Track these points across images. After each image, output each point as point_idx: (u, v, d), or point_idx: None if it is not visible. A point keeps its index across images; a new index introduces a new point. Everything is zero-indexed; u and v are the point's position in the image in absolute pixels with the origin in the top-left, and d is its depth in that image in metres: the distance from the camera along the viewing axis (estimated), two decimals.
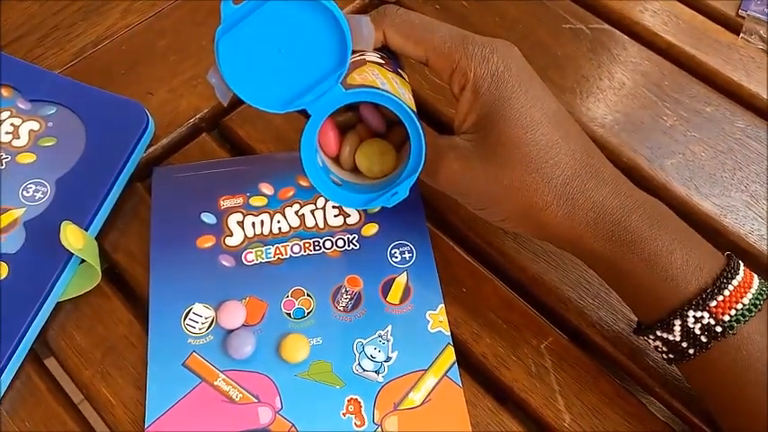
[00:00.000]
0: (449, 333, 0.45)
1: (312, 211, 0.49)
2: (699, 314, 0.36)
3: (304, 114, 0.38)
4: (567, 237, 0.39)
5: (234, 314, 0.45)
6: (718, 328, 0.36)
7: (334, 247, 0.48)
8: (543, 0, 0.61)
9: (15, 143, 0.49)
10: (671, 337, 0.38)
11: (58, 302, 0.46)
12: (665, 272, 0.37)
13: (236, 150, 0.55)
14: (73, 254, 0.45)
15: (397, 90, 0.40)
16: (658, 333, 0.39)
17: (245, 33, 0.36)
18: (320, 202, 0.50)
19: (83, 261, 0.47)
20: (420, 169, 0.40)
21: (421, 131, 0.39)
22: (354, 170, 0.44)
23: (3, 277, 0.44)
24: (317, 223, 0.49)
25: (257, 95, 0.38)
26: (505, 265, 0.49)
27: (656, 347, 0.40)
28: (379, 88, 0.38)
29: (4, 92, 0.51)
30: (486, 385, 0.44)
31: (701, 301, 0.36)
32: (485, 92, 0.39)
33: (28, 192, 0.48)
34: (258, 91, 0.38)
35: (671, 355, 0.39)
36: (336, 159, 0.44)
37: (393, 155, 0.43)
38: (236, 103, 0.56)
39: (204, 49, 0.58)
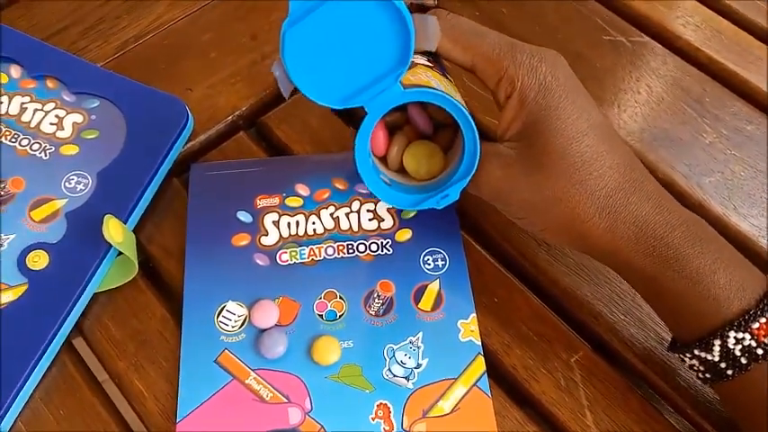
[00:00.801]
0: (479, 343, 0.45)
1: (347, 214, 0.49)
2: (740, 335, 0.36)
3: (360, 110, 0.39)
4: (608, 250, 0.39)
5: (267, 313, 0.45)
6: (760, 351, 0.36)
7: (368, 251, 0.48)
8: (583, 11, 0.61)
9: (59, 134, 0.50)
10: (709, 357, 0.38)
11: (94, 293, 0.47)
12: (707, 290, 0.37)
13: (273, 149, 0.55)
14: (111, 246, 0.46)
15: (450, 91, 0.40)
16: (696, 352, 0.38)
17: (311, 27, 0.36)
18: (355, 205, 0.50)
19: (120, 254, 0.47)
20: (473, 172, 0.40)
21: (476, 134, 0.39)
22: (400, 171, 0.44)
23: (44, 266, 0.45)
24: (351, 226, 0.49)
25: (318, 90, 0.38)
26: (538, 277, 0.49)
27: (692, 366, 0.40)
28: (434, 89, 0.38)
29: (50, 83, 0.52)
30: (515, 397, 0.44)
31: (743, 322, 0.36)
32: (531, 101, 0.39)
33: (70, 183, 0.48)
34: (319, 85, 0.38)
35: (707, 375, 0.39)
36: (383, 159, 0.44)
37: (441, 157, 0.43)
38: (274, 102, 0.57)
39: (244, 46, 0.59)
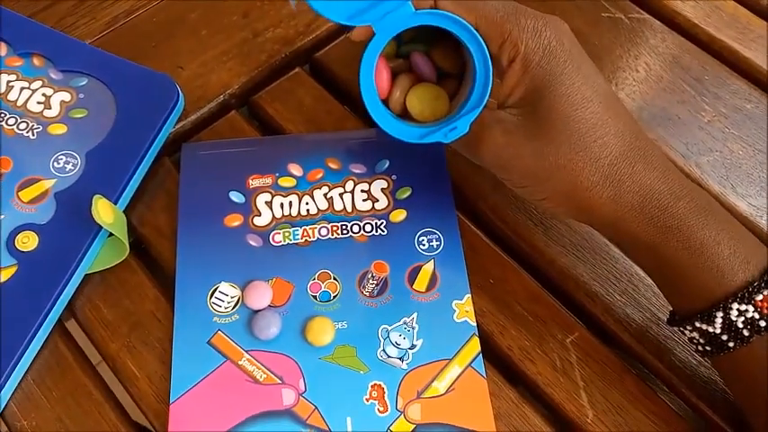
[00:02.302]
0: (474, 323, 0.45)
1: (341, 195, 0.49)
2: (743, 307, 0.36)
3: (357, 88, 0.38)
4: (610, 219, 0.39)
5: (261, 294, 0.45)
6: (762, 323, 0.35)
7: (362, 231, 0.48)
8: None
9: (47, 113, 0.49)
10: (710, 329, 0.37)
11: (85, 274, 0.46)
12: (711, 262, 0.36)
13: (265, 128, 0.55)
14: (100, 229, 0.45)
15: None
16: (697, 324, 0.38)
17: None
18: (349, 185, 0.49)
19: (111, 234, 0.47)
20: (485, 102, 0.39)
21: (489, 61, 0.38)
22: (403, 114, 0.43)
23: (33, 248, 0.44)
24: (345, 207, 0.48)
25: (325, 3, 0.37)
26: (534, 257, 0.48)
27: (692, 339, 0.39)
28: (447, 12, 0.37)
29: (36, 61, 0.51)
30: (511, 377, 0.44)
31: (746, 294, 0.35)
32: (535, 66, 0.38)
33: (59, 163, 0.47)
34: None
35: (707, 348, 0.39)
36: (385, 102, 0.43)
37: (446, 100, 0.42)
38: (267, 80, 0.56)
39: (236, 23, 0.58)
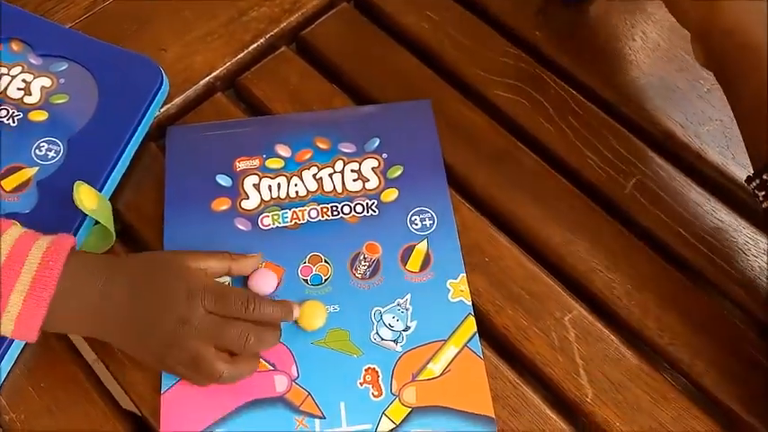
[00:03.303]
0: (470, 303, 0.43)
1: (330, 175, 0.48)
2: None
3: None
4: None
5: (265, 281, 0.43)
6: None
7: (353, 212, 0.46)
8: None
9: (27, 100, 0.48)
10: None
11: None
12: None
13: (252, 110, 0.53)
14: (85, 217, 0.44)
15: None
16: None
17: None
18: (339, 165, 0.48)
19: (97, 222, 0.46)
20: None
21: None
22: None
23: None
24: (335, 188, 0.47)
25: None
26: (529, 235, 0.47)
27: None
28: None
29: (15, 46, 0.50)
30: (508, 357, 0.43)
31: None
32: None
33: (41, 150, 0.46)
34: None
35: None
36: None
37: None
38: (252, 60, 0.54)
39: (219, 3, 0.56)
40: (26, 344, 0.43)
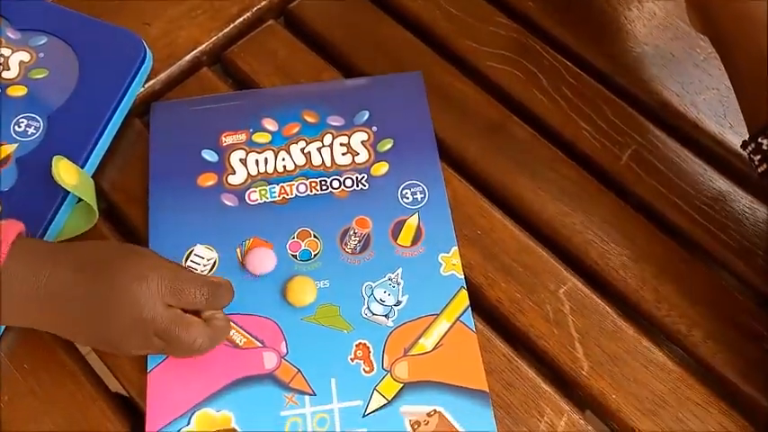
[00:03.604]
0: (462, 276, 0.43)
1: (319, 149, 0.46)
2: None
3: None
4: None
5: (264, 259, 0.42)
6: None
7: (342, 186, 0.45)
8: None
9: (5, 75, 0.47)
10: None
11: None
12: None
13: (239, 85, 0.52)
14: (67, 194, 0.43)
15: None
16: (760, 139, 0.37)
17: None
18: (327, 139, 0.47)
19: (80, 200, 0.44)
20: None
21: None
22: None
23: None
24: (323, 162, 0.46)
25: None
26: (523, 207, 0.46)
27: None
28: None
29: None
30: (501, 331, 0.42)
31: None
32: None
33: (20, 127, 0.45)
34: None
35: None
36: None
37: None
38: (239, 34, 0.53)
39: None
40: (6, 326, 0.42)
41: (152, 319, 0.36)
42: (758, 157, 0.39)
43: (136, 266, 0.37)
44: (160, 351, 0.39)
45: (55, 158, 0.41)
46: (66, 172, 0.41)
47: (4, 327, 0.42)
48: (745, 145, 0.40)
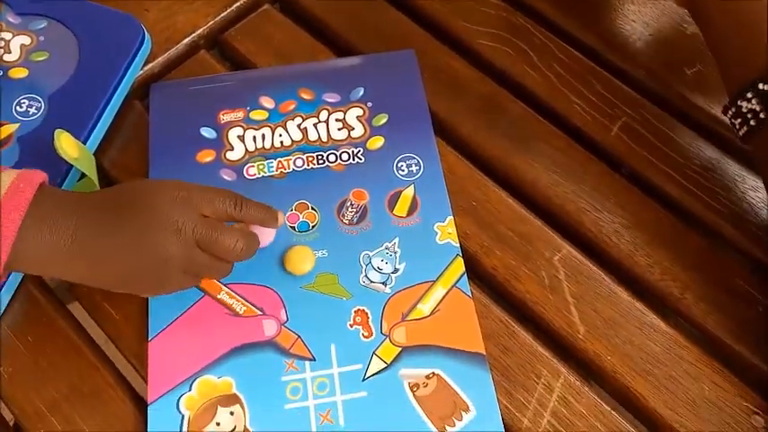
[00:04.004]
0: (458, 245, 0.43)
1: (315, 125, 0.47)
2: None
3: None
4: None
5: (263, 233, 0.42)
6: None
7: (339, 160, 0.46)
8: None
9: (7, 58, 0.48)
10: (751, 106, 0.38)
11: None
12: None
13: (236, 67, 0.53)
14: (69, 171, 0.44)
15: None
16: (740, 102, 0.38)
17: None
18: (323, 115, 0.48)
19: (80, 179, 0.45)
20: None
21: None
22: None
23: None
24: (320, 137, 0.47)
25: None
26: (517, 178, 0.47)
27: (744, 117, 0.39)
28: None
29: None
30: (498, 298, 0.43)
31: None
32: None
33: (21, 107, 0.46)
34: None
35: (752, 123, 0.39)
36: None
37: None
38: (236, 18, 0.54)
39: None
40: (13, 298, 0.43)
41: (192, 230, 0.36)
42: (738, 120, 0.40)
43: (164, 191, 0.37)
44: (203, 268, 0.38)
45: (57, 131, 0.42)
46: (67, 144, 0.42)
47: (7, 302, 0.42)
48: (725, 110, 0.41)
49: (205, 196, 0.38)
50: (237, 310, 0.41)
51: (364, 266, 0.42)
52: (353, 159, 0.46)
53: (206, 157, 0.46)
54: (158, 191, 0.37)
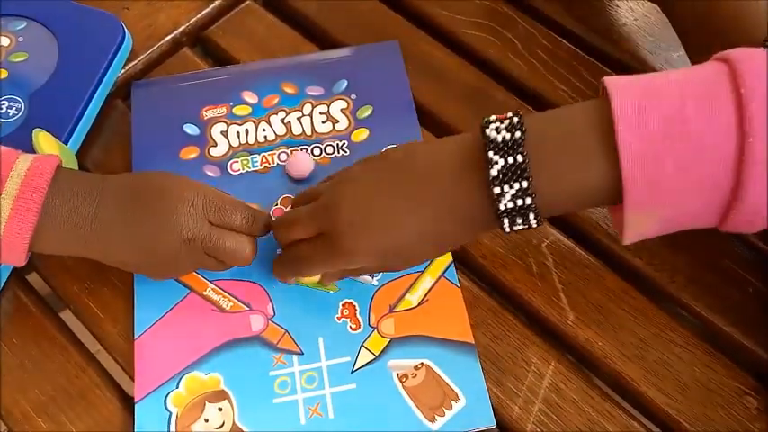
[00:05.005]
0: None
1: (299, 119, 0.47)
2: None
3: None
4: None
5: (304, 161, 0.44)
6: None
7: (324, 153, 0.46)
8: None
9: None
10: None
11: None
12: None
13: (219, 64, 0.52)
14: None
15: None
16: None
17: None
18: (307, 108, 0.47)
19: None
20: None
21: None
22: None
23: None
24: (304, 130, 0.47)
25: None
26: None
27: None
28: None
29: None
30: (487, 287, 0.43)
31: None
32: None
33: (1, 108, 0.45)
34: None
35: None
36: None
37: None
38: (218, 14, 0.54)
39: None
40: None
41: (201, 237, 0.37)
42: None
43: (178, 189, 0.37)
44: (213, 268, 0.39)
45: (35, 131, 0.41)
46: (46, 143, 0.41)
47: None
48: None
49: (216, 204, 0.38)
50: (224, 305, 0.41)
51: None
52: (338, 152, 0.46)
53: (189, 153, 0.46)
54: (168, 191, 0.37)
